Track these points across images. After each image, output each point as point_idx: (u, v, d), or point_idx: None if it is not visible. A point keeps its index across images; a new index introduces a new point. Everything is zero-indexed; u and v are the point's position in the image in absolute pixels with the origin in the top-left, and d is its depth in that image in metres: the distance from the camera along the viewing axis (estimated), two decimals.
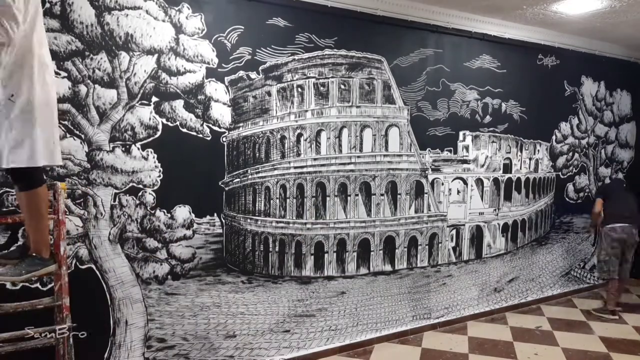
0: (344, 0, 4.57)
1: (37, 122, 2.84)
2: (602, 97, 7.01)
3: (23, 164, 2.80)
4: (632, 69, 7.25)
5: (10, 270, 2.91)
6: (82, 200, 3.66)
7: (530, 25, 5.83)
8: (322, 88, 4.64)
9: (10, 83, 2.76)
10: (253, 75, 4.27)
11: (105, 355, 3.93)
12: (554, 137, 6.55)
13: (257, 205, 4.44)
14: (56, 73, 3.42)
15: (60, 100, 3.48)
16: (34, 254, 3.02)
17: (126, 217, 3.83)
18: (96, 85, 3.64)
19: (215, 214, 4.28)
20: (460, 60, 5.55)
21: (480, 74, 5.71)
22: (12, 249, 3.50)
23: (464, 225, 5.74)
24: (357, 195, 4.94)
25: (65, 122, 3.56)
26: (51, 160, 2.95)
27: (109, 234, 3.76)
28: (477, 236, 5.90)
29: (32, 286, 3.50)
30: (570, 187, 6.85)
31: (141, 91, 3.80)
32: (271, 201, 4.49)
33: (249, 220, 4.40)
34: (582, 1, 4.86)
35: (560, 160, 6.66)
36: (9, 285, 3.45)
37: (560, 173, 6.69)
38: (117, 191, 3.80)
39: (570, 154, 6.75)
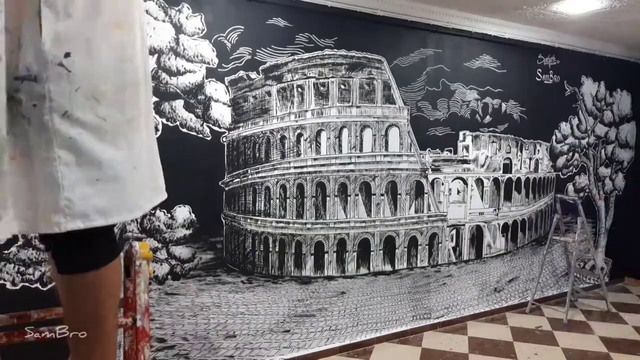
0: (344, 0, 4.56)
1: (142, 115, 1.48)
2: (602, 97, 7.00)
3: (114, 217, 1.38)
4: (632, 69, 7.24)
5: None
6: None
7: (530, 25, 5.83)
8: (322, 88, 4.64)
9: (68, 25, 1.24)
10: (253, 75, 4.27)
11: None
12: (554, 137, 6.54)
13: (257, 205, 4.44)
14: None
15: None
16: None
17: None
18: None
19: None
20: (460, 60, 5.54)
21: (480, 74, 5.70)
22: None
23: (464, 225, 5.74)
24: (357, 195, 4.93)
25: None
26: (161, 194, 1.66)
27: None
28: (477, 236, 5.90)
29: (32, 286, 3.47)
30: (570, 187, 6.84)
31: None
32: (271, 201, 4.48)
33: (249, 220, 4.39)
34: (582, 1, 4.85)
35: (560, 160, 6.65)
36: (8, 285, 3.43)
37: (560, 173, 6.69)
38: None
39: (570, 154, 6.74)
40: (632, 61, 7.23)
